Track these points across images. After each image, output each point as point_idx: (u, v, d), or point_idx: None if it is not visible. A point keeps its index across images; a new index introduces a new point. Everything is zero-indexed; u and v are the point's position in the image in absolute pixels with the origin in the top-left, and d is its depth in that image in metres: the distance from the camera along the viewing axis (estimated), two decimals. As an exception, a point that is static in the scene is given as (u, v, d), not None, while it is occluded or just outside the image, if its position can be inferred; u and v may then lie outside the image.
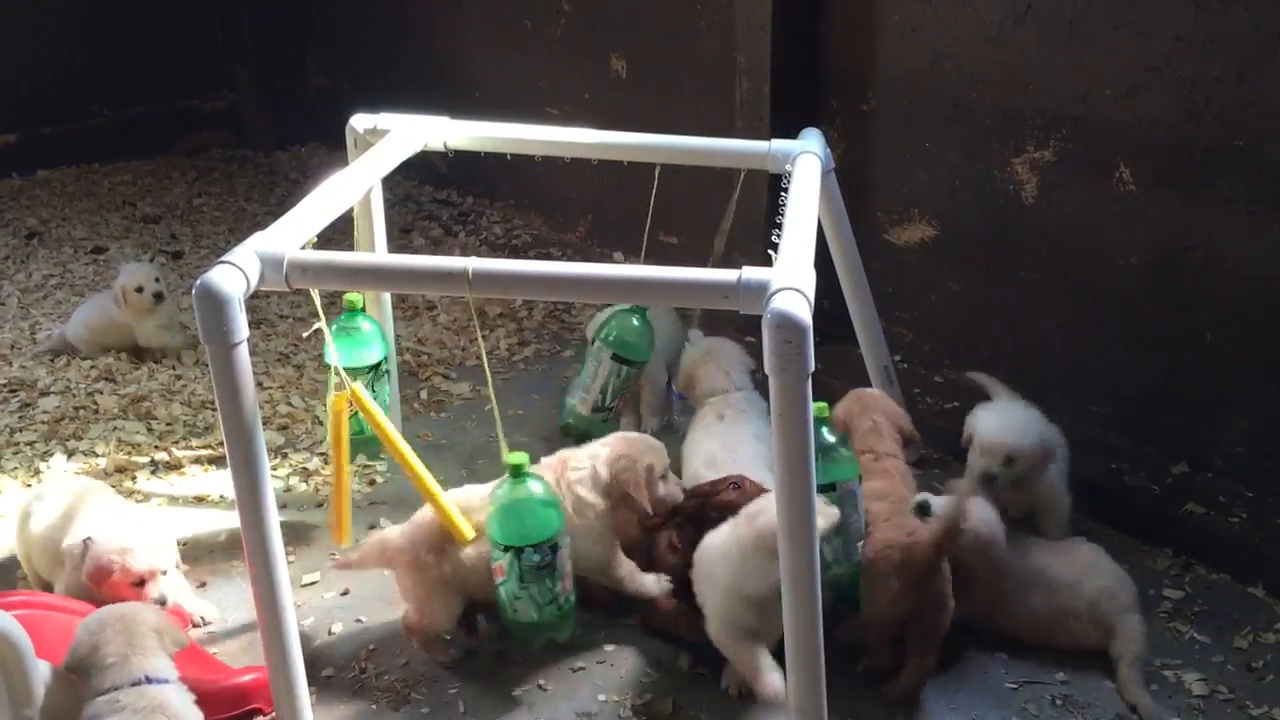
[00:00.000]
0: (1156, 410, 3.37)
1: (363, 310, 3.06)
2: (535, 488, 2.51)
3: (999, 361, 3.73)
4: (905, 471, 2.89)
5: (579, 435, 3.23)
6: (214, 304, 2.17)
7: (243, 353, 2.22)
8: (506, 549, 2.49)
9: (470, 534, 2.62)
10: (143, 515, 3.01)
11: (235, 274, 2.21)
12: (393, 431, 2.56)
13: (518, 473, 2.49)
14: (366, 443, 3.00)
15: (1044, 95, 3.38)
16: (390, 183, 3.10)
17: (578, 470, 2.71)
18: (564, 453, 2.79)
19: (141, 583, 2.66)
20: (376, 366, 3.03)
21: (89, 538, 2.67)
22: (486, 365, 2.64)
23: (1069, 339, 3.53)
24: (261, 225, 2.44)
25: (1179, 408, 3.32)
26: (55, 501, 2.85)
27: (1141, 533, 3.17)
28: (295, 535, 3.24)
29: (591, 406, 3.31)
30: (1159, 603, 2.93)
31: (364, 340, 2.99)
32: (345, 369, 2.89)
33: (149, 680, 2.26)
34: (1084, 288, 3.45)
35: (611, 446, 2.74)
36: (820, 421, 2.60)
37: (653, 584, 2.75)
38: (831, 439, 2.62)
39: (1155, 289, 3.28)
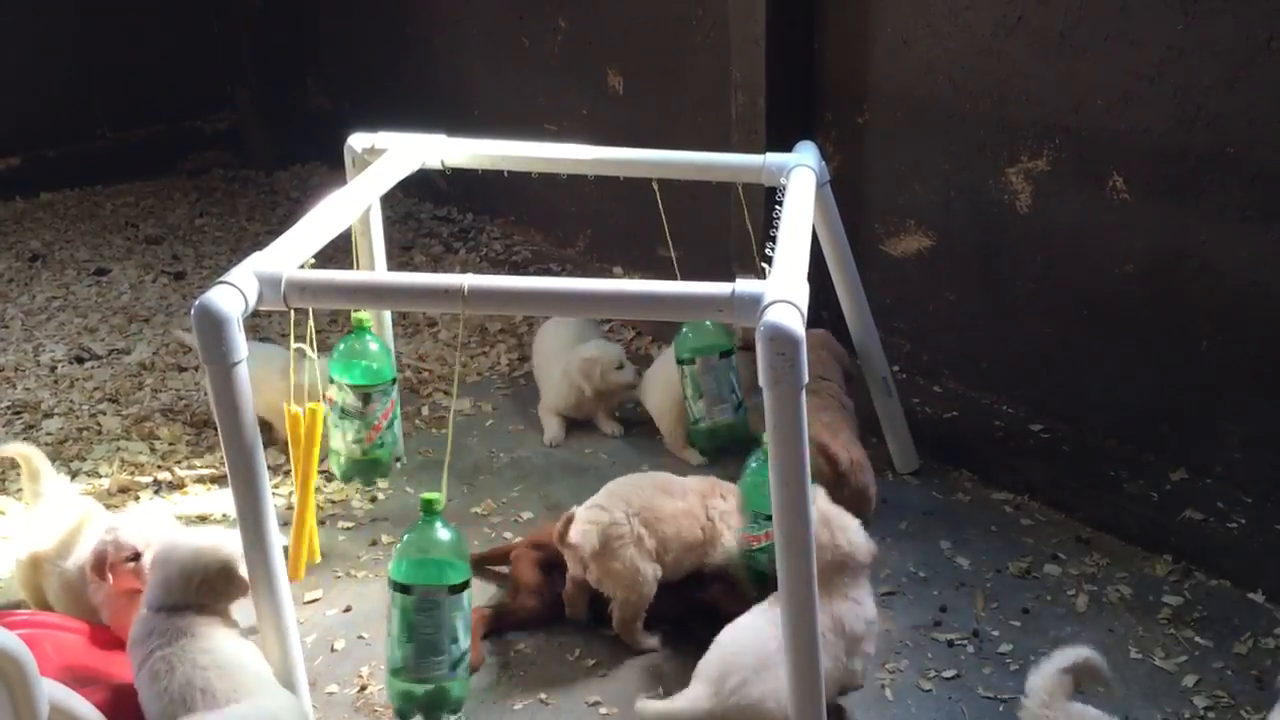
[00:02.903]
0: (1154, 417, 3.38)
1: (369, 329, 3.04)
2: (443, 534, 2.44)
3: (996, 370, 3.75)
4: (846, 401, 3.19)
5: (726, 443, 3.30)
6: (213, 324, 2.19)
7: (242, 372, 2.25)
8: (401, 589, 2.40)
9: (301, 575, 2.73)
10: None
11: (234, 294, 2.24)
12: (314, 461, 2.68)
13: (429, 509, 2.42)
14: (371, 465, 3.03)
15: (1037, 105, 3.40)
16: (390, 200, 3.13)
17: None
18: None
19: (137, 557, 2.64)
20: (386, 385, 2.99)
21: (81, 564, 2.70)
22: (454, 399, 2.66)
23: (1066, 347, 3.54)
24: (263, 244, 2.47)
25: (1177, 414, 3.33)
26: (53, 522, 2.85)
27: (1141, 539, 3.18)
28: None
29: (734, 408, 3.29)
30: (1159, 609, 2.94)
31: (372, 359, 2.98)
32: (355, 386, 2.93)
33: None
34: (1080, 296, 3.46)
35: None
36: None
37: None
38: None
39: (1151, 296, 3.30)
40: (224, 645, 2.39)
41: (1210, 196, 3.10)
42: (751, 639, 2.45)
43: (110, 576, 2.64)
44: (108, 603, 2.71)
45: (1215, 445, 3.26)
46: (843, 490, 2.94)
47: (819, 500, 2.59)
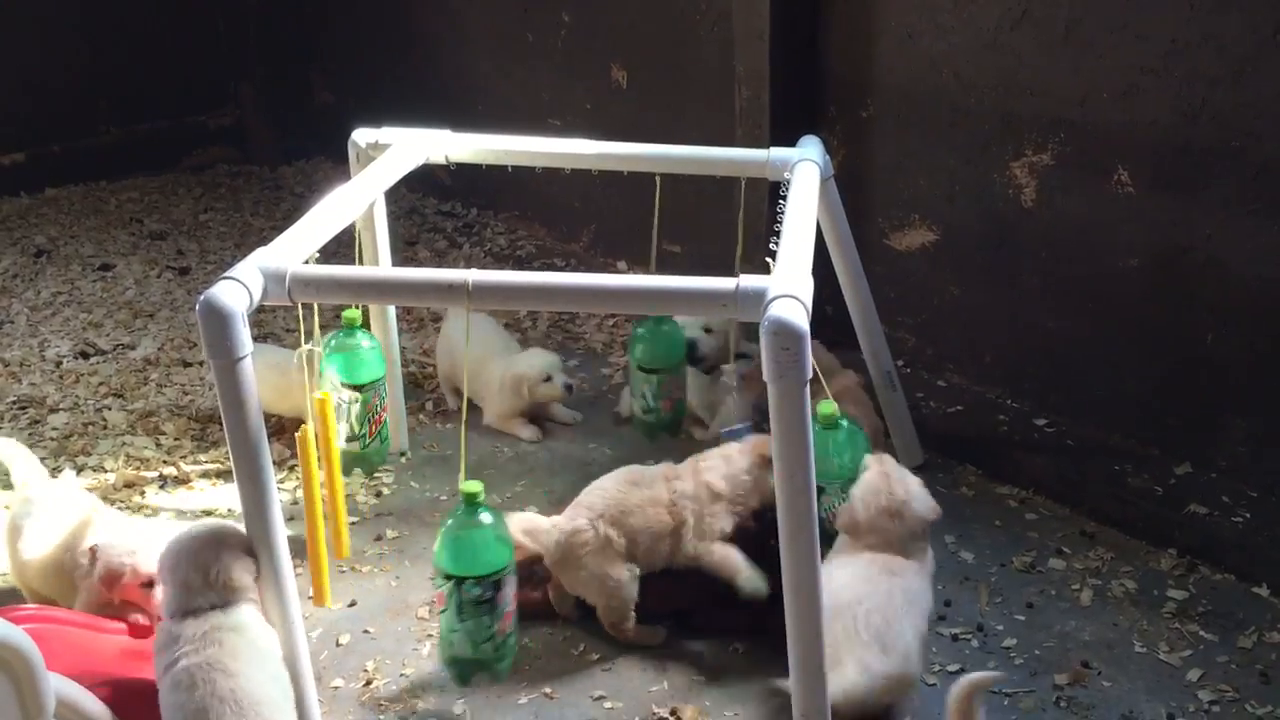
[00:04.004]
0: (1159, 411, 3.38)
1: (362, 326, 3.01)
2: (486, 519, 2.45)
3: (1001, 364, 3.75)
4: (864, 399, 3.36)
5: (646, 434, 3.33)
6: (218, 319, 2.19)
7: (247, 367, 2.25)
8: (448, 578, 2.41)
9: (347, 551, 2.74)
10: (148, 524, 3.02)
11: (239, 290, 2.24)
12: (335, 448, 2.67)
13: (471, 501, 2.43)
14: (363, 458, 3.01)
15: (1041, 99, 3.39)
16: (395, 195, 3.14)
17: (710, 464, 2.90)
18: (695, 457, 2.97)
19: (151, 584, 2.66)
20: (373, 383, 2.97)
21: (95, 545, 2.70)
22: (465, 395, 2.65)
23: (1071, 341, 3.54)
24: (267, 239, 2.47)
25: (1181, 408, 3.33)
26: (52, 520, 2.85)
27: (1145, 533, 3.18)
28: (302, 547, 3.24)
29: (642, 411, 3.30)
30: (1164, 603, 2.94)
31: (363, 357, 2.95)
32: (344, 385, 2.90)
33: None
34: (1085, 290, 3.46)
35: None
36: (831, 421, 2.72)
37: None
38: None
39: (1156, 290, 3.29)
40: (251, 670, 2.33)
41: (1215, 190, 3.09)
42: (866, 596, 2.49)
43: (116, 593, 2.68)
44: (90, 599, 2.73)
45: (1220, 439, 3.26)
46: None
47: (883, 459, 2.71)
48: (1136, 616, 2.90)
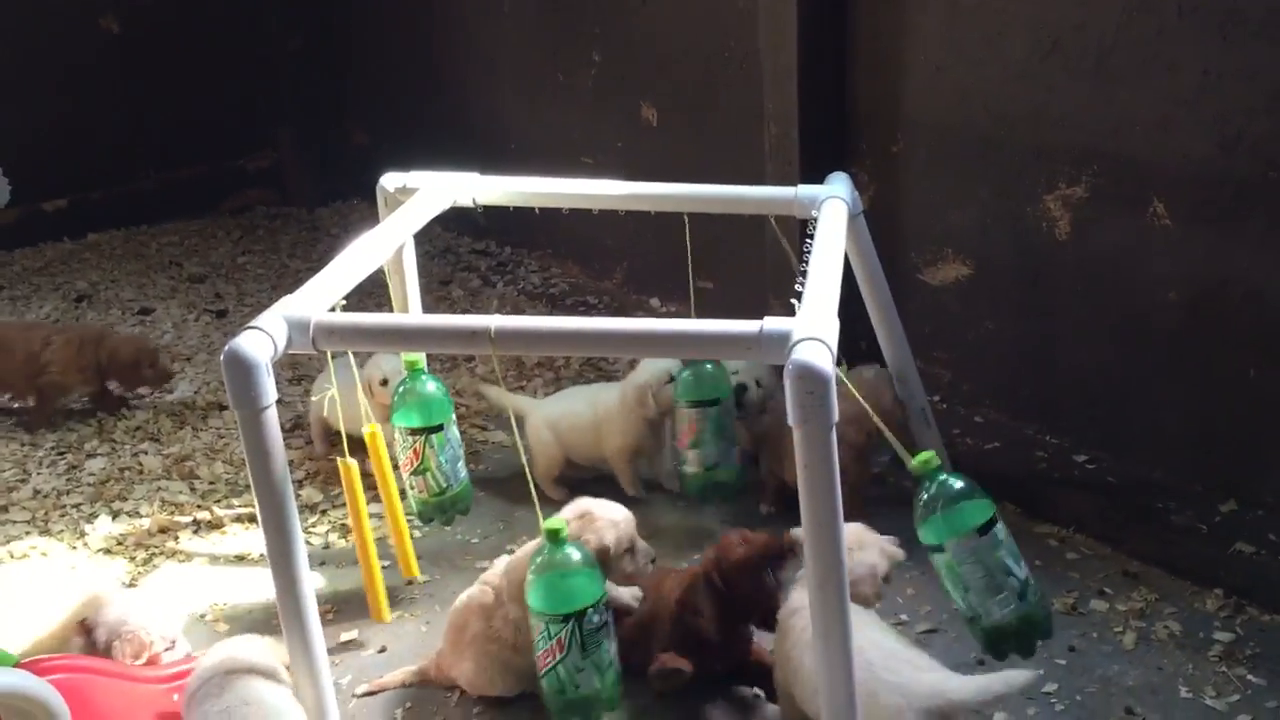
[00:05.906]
0: (1202, 447, 3.30)
1: (422, 371, 2.94)
2: (574, 554, 2.41)
3: (1038, 400, 3.69)
4: None
5: (718, 495, 3.29)
6: (242, 370, 2.20)
7: (271, 417, 2.25)
8: (566, 618, 2.36)
9: (388, 616, 2.73)
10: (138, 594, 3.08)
11: (263, 339, 2.24)
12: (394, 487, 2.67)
13: (555, 538, 2.39)
14: (441, 507, 2.95)
15: (1074, 131, 3.35)
16: (429, 234, 3.15)
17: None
18: None
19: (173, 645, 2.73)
20: (442, 426, 2.91)
21: (87, 619, 2.73)
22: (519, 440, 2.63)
23: (1109, 376, 3.48)
24: (304, 280, 2.48)
25: (1225, 444, 3.26)
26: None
27: (1190, 573, 3.09)
28: (334, 592, 3.25)
29: (701, 464, 3.24)
30: (1210, 645, 2.85)
31: (430, 400, 2.89)
32: (416, 429, 2.87)
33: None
34: (1123, 324, 3.40)
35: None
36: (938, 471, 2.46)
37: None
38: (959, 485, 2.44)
39: (1195, 324, 3.23)
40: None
41: (1254, 222, 3.03)
42: None
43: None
44: None
45: (1266, 475, 3.18)
46: None
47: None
48: (1181, 660, 2.82)
